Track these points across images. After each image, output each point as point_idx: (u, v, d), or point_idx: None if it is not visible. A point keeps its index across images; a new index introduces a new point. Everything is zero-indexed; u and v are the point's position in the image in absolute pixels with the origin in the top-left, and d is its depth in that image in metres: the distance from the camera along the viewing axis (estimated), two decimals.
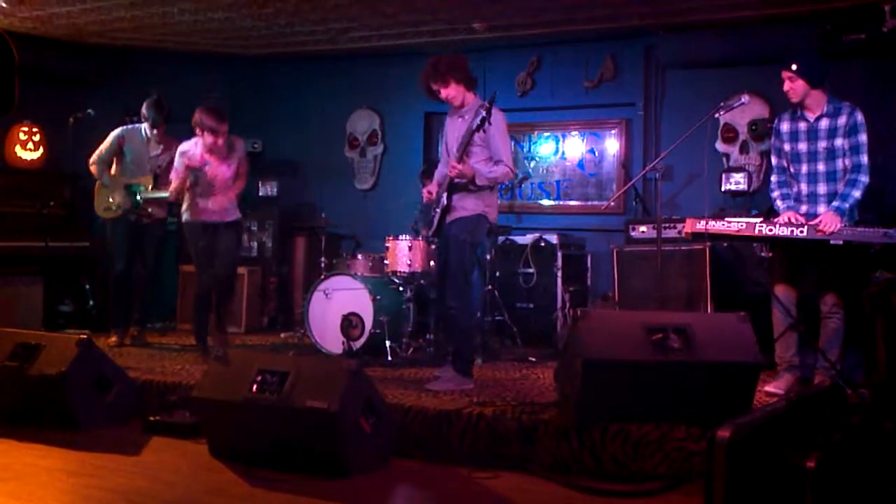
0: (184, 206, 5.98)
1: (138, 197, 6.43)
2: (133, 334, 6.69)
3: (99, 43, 7.90)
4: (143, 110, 6.47)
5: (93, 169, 6.52)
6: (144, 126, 6.51)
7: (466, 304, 5.09)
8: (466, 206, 5.05)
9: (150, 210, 6.52)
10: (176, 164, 5.92)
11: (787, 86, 4.83)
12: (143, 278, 6.70)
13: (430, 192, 5.22)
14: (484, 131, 4.91)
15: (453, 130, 5.18)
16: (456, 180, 4.98)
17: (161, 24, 7.25)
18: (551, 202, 7.87)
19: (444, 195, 5.05)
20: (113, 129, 6.61)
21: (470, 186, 4.99)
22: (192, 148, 5.87)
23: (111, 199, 6.48)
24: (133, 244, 6.57)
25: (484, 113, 4.83)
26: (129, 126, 6.64)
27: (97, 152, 6.52)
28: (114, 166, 6.56)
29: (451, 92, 5.08)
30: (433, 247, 6.25)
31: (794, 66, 4.77)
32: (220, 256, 6.00)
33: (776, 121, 5.10)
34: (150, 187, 6.43)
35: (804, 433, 3.08)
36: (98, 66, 8.19)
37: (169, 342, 6.88)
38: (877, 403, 4.34)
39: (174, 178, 5.92)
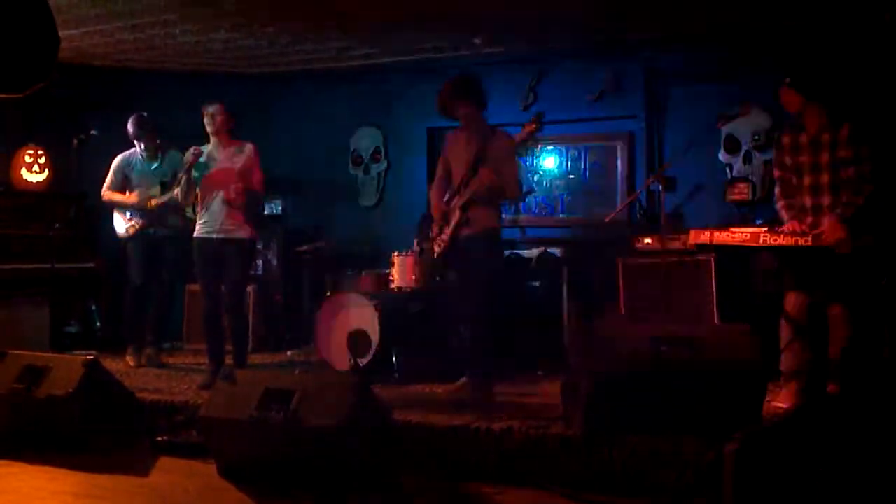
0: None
1: (153, 203, 6.56)
2: (148, 355, 6.71)
3: (102, 65, 7.94)
4: (129, 129, 6.63)
5: (105, 197, 6.69)
6: (137, 146, 6.68)
7: (490, 321, 5.19)
8: (482, 220, 5.17)
9: (166, 217, 6.62)
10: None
11: (783, 99, 4.85)
12: (159, 297, 6.76)
13: (438, 208, 5.34)
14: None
15: (464, 146, 5.30)
16: (487, 188, 5.06)
17: (163, 45, 7.30)
18: (556, 216, 7.86)
19: (459, 211, 5.17)
20: (117, 152, 6.78)
21: (494, 198, 5.15)
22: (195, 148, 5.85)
23: (131, 205, 6.59)
24: (151, 260, 6.64)
25: (533, 128, 5.14)
26: (126, 152, 6.77)
27: (106, 184, 6.70)
28: (125, 192, 6.71)
29: (468, 110, 5.28)
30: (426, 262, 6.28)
31: (787, 80, 4.80)
32: (227, 279, 5.80)
33: (778, 134, 5.11)
34: (158, 194, 6.59)
35: (813, 443, 3.07)
36: (102, 87, 8.23)
37: (176, 362, 6.88)
38: (885, 411, 4.33)
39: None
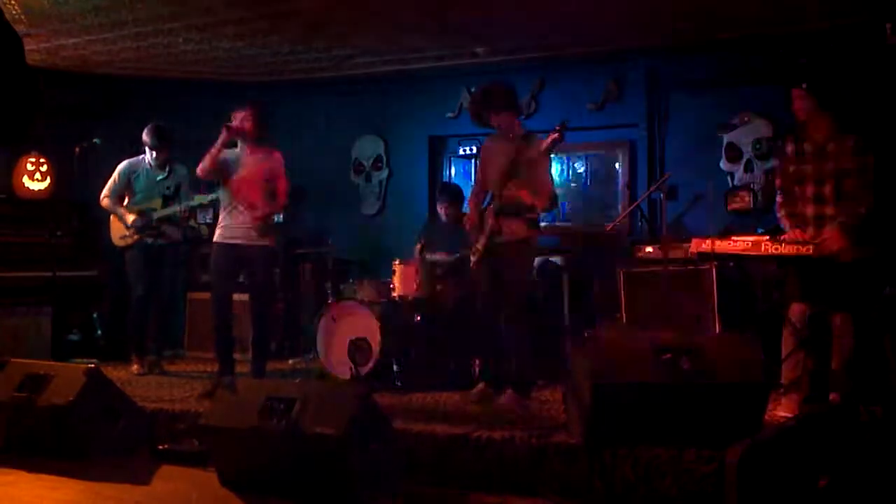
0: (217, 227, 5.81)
1: (153, 216, 6.55)
2: (150, 362, 6.71)
3: (105, 73, 7.96)
4: (144, 137, 6.59)
5: (104, 203, 6.66)
6: (146, 155, 6.63)
7: (527, 328, 5.23)
8: (518, 230, 5.21)
9: (164, 230, 6.59)
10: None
11: (796, 104, 4.83)
12: (160, 305, 6.76)
13: (471, 220, 5.40)
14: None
15: (498, 154, 5.34)
16: (514, 204, 5.15)
17: (166, 53, 7.31)
18: (556, 224, 7.87)
19: (492, 218, 5.22)
20: (119, 160, 6.75)
21: (522, 212, 5.18)
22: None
23: (126, 225, 6.57)
24: (151, 269, 6.63)
25: (556, 136, 5.00)
26: (133, 159, 6.75)
27: (107, 187, 6.66)
28: (126, 198, 6.69)
29: (503, 118, 5.30)
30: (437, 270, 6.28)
31: (804, 84, 4.79)
32: (253, 284, 5.78)
33: (781, 142, 5.11)
34: (159, 208, 6.58)
35: (815, 452, 3.06)
36: (104, 96, 8.25)
37: (177, 370, 6.87)
38: (888, 421, 4.32)
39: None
